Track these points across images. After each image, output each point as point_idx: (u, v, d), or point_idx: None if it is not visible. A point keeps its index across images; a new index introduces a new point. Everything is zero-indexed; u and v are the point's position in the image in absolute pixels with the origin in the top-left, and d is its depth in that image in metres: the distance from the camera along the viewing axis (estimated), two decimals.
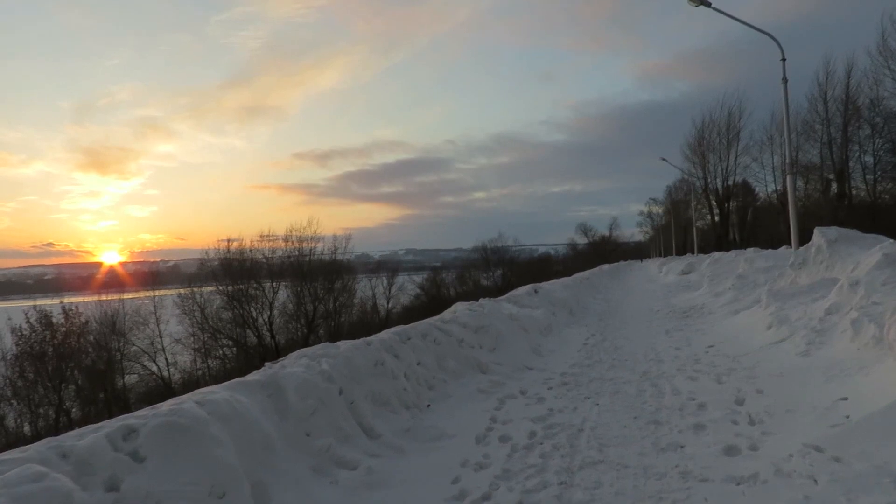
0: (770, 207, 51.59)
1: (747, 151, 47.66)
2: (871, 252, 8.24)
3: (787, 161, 16.11)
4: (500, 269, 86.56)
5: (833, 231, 11.50)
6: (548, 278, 21.77)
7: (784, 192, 46.53)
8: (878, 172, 38.98)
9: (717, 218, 53.08)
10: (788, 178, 16.04)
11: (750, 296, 13.00)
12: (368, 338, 5.31)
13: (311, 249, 52.65)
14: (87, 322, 35.93)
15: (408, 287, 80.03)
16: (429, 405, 5.32)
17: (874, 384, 5.06)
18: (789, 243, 26.77)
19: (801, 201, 46.48)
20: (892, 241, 8.16)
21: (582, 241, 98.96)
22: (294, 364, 4.01)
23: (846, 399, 4.92)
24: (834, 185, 40.16)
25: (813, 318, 7.84)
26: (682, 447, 4.58)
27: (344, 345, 4.74)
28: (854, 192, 39.74)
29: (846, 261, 10.74)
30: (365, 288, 70.89)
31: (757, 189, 52.20)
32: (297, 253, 52.52)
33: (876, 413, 4.15)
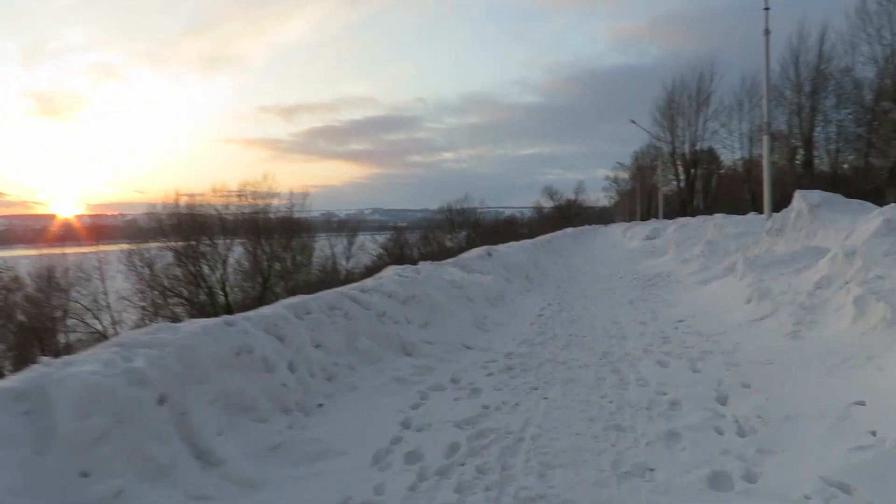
0: (734, 175, 51.38)
1: (716, 117, 47.03)
2: (868, 218, 7.15)
3: (765, 120, 15.03)
4: (465, 231, 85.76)
5: (815, 195, 10.45)
6: (513, 240, 20.61)
7: (750, 160, 46.22)
8: (841, 143, 38.80)
9: (682, 184, 52.61)
10: (765, 138, 14.97)
11: (721, 263, 11.98)
12: (232, 316, 3.94)
13: (266, 206, 50.52)
14: (17, 277, 33.60)
15: (370, 247, 78.55)
16: (320, 405, 4.00)
17: (894, 383, 3.92)
18: (754, 211, 26.14)
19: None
20: (892, 205, 7.06)
21: (548, 204, 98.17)
22: (88, 360, 2.65)
23: (863, 404, 3.77)
24: (801, 154, 39.77)
25: (800, 293, 6.73)
26: (651, 470, 3.37)
27: (186, 327, 3.36)
28: (817, 161, 39.48)
29: (829, 227, 9.71)
30: (324, 247, 69.26)
31: (722, 156, 51.82)
32: (252, 209, 50.40)
33: None
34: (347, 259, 71.00)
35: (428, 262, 8.38)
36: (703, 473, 3.24)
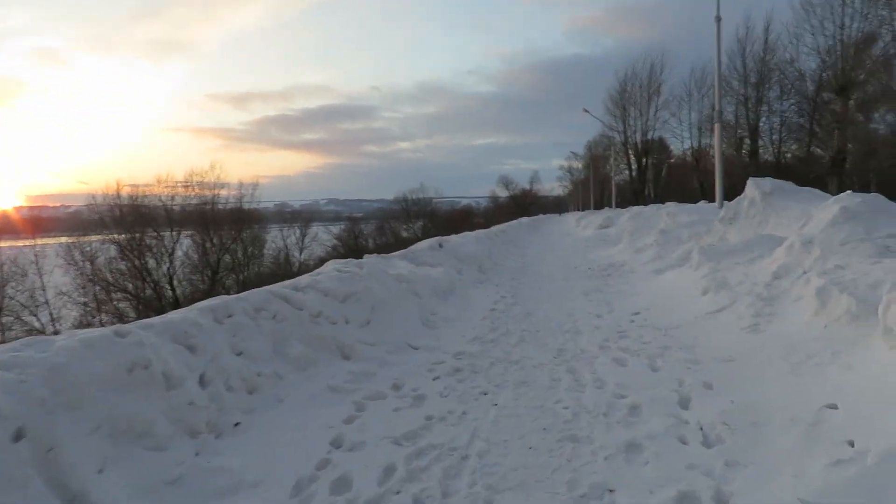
0: (684, 164, 52.36)
1: (666, 106, 47.73)
2: (825, 206, 6.98)
3: (716, 108, 15.00)
4: (421, 221, 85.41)
5: (767, 182, 10.37)
6: (470, 230, 20.25)
7: (699, 150, 47.08)
8: (784, 133, 39.91)
9: (634, 173, 53.29)
10: (716, 126, 14.95)
11: (674, 252, 11.85)
12: (126, 325, 3.35)
13: (214, 196, 48.94)
14: None
15: (324, 238, 77.30)
16: (237, 423, 3.48)
17: (865, 383, 3.65)
18: (704, 199, 26.50)
19: (713, 158, 47.21)
20: (848, 192, 6.91)
21: (504, 194, 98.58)
22: None
23: (835, 408, 3.47)
24: (747, 143, 40.66)
25: (757, 283, 6.51)
26: (610, 492, 2.99)
27: (62, 341, 2.77)
28: (761, 150, 40.50)
29: (782, 215, 9.63)
30: (277, 238, 67.67)
31: (672, 146, 52.69)
32: (199, 200, 48.74)
33: None
34: (301, 251, 69.79)
35: (373, 256, 7.87)
36: (668, 495, 2.87)
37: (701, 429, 3.63)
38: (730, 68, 39.71)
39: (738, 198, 10.77)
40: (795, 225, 9.10)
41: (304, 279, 5.65)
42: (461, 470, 3.24)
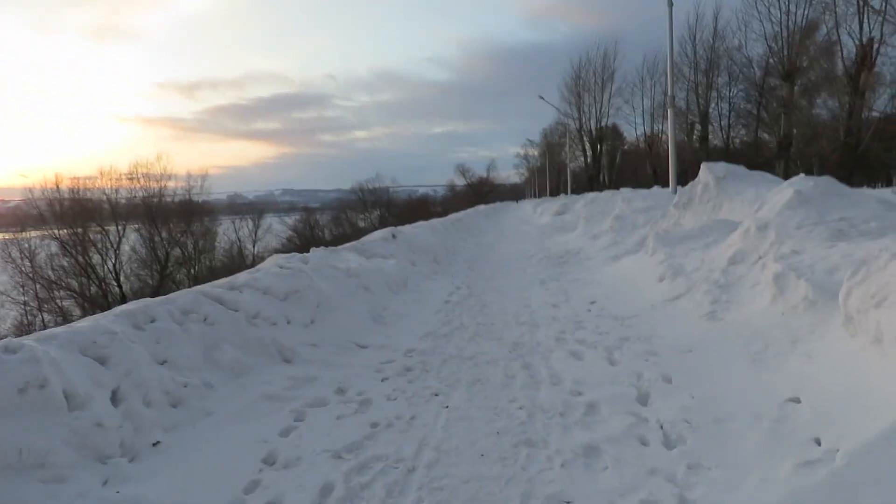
0: (637, 151, 53.18)
1: (620, 93, 48.22)
2: (779, 189, 6.93)
3: (669, 94, 15.03)
4: (378, 211, 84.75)
5: (721, 167, 10.37)
6: (426, 219, 19.95)
7: (652, 136, 47.81)
8: (732, 118, 40.92)
9: (589, 160, 53.81)
10: (669, 112, 14.98)
11: (630, 238, 11.81)
12: (18, 339, 2.93)
13: (161, 188, 47.33)
14: None
15: (279, 229, 75.85)
16: (156, 443, 3.11)
17: (827, 374, 3.51)
18: (657, 185, 26.87)
19: (666, 144, 48.05)
20: (801, 175, 6.87)
21: (461, 182, 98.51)
22: None
23: (798, 401, 3.33)
24: (698, 129, 41.43)
25: (714, 269, 6.42)
26: None
27: None
28: (711, 136, 41.39)
29: (735, 199, 9.63)
30: (229, 231, 66.01)
31: (625, 133, 53.40)
32: (146, 192, 47.06)
33: (873, 444, 2.50)
34: (254, 243, 68.30)
35: (320, 249, 7.48)
36: None
37: (661, 427, 3.44)
38: (681, 55, 40.38)
39: (691, 183, 10.76)
40: (749, 209, 9.11)
41: (241, 277, 5.25)
42: (407, 486, 2.95)
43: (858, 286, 3.60)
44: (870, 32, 23.01)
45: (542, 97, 44.46)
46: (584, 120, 51.42)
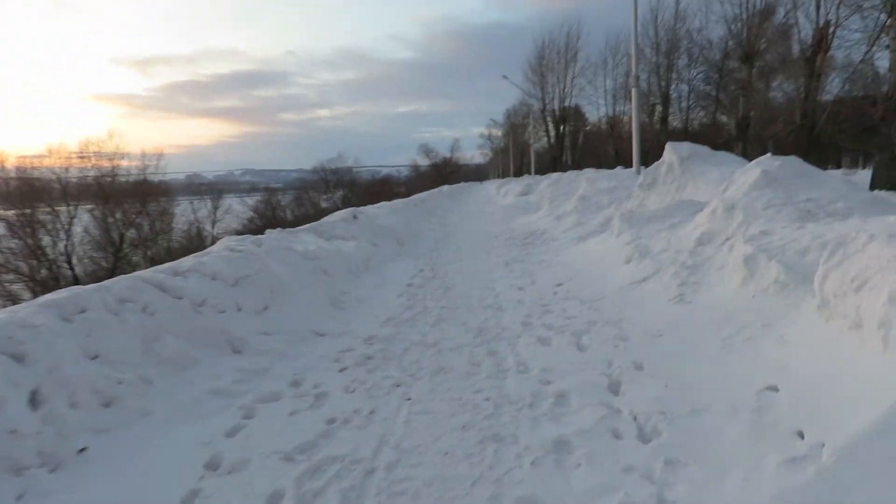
0: (599, 132, 53.51)
1: (583, 73, 48.22)
2: (745, 169, 6.84)
3: (633, 74, 14.93)
4: (341, 191, 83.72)
5: (685, 147, 10.30)
6: (390, 199, 19.61)
7: (614, 117, 48.09)
8: (692, 100, 41.50)
9: (552, 140, 53.87)
10: (633, 91, 14.89)
11: (594, 219, 11.71)
12: None
13: (114, 168, 45.60)
14: None
15: (239, 210, 74.22)
16: (83, 449, 2.78)
17: (803, 360, 3.39)
18: (619, 165, 27.02)
19: (628, 125, 48.45)
20: (768, 155, 6.79)
21: (424, 162, 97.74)
22: None
23: (776, 390, 3.19)
24: (659, 110, 41.81)
25: (681, 251, 6.30)
26: None
27: None
28: (671, 118, 41.92)
29: (699, 179, 9.58)
30: (186, 212, 64.26)
31: (587, 113, 53.64)
32: (98, 171, 45.28)
33: (862, 439, 2.35)
34: (213, 223, 66.69)
35: (276, 231, 7.11)
36: None
37: (635, 419, 3.27)
38: (643, 36, 40.56)
39: (656, 163, 10.67)
40: (714, 189, 9.06)
41: (187, 261, 4.87)
42: (364, 490, 2.70)
43: (835, 269, 3.46)
44: (826, 15, 23.32)
45: (505, 77, 44.24)
46: (547, 100, 51.38)
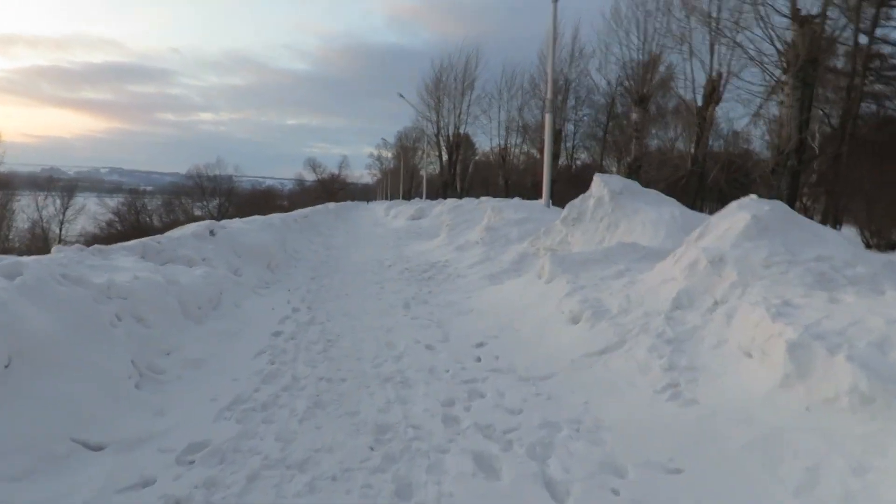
0: (488, 162, 53.60)
1: (478, 102, 47.82)
2: (727, 213, 5.41)
3: (549, 96, 13.74)
4: (218, 199, 78.32)
5: (617, 180, 9.00)
6: (272, 212, 17.11)
7: (505, 148, 48.03)
8: (577, 139, 42.54)
9: (444, 165, 53.07)
10: (547, 117, 13.66)
11: (505, 254, 10.12)
12: None
13: None
14: None
15: (96, 211, 66.79)
16: None
17: None
18: (510, 195, 26.24)
19: (522, 156, 48.70)
20: (752, 197, 5.43)
21: (311, 177, 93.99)
22: None
23: None
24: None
25: (650, 314, 4.70)
26: None
27: None
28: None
29: (634, 218, 8.24)
30: (29, 209, 56.51)
31: (478, 143, 53.67)
32: None
33: None
34: (61, 224, 59.19)
35: (71, 248, 4.68)
36: None
37: None
38: (540, 70, 40.94)
39: (582, 196, 9.28)
40: (654, 232, 7.74)
41: None
42: None
43: None
44: (719, 66, 23.97)
45: (401, 95, 42.95)
46: (442, 124, 50.56)
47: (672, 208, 8.32)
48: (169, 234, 7.39)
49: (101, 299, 3.92)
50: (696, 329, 4.28)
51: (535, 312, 6.00)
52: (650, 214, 8.08)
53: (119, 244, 5.66)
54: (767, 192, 18.87)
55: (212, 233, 7.83)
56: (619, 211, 8.50)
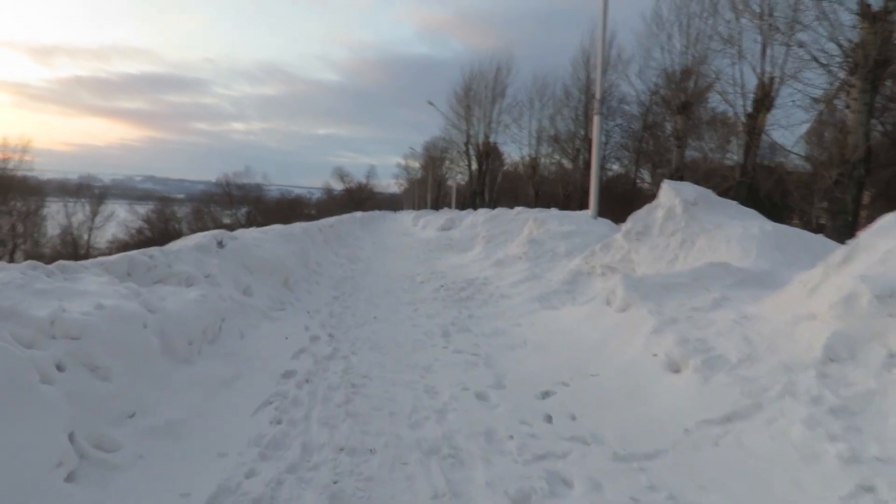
0: (517, 172, 52.23)
1: (509, 111, 46.60)
2: (879, 229, 4.09)
3: (597, 97, 12.48)
4: (246, 207, 78.64)
5: (690, 189, 7.70)
6: (299, 220, 16.22)
7: (536, 158, 46.64)
8: (608, 149, 40.92)
9: (473, 175, 51.95)
10: (596, 119, 12.40)
11: (554, 273, 8.87)
12: None
13: None
14: None
15: (126, 218, 67.31)
16: None
17: None
18: (540, 206, 24.91)
19: (552, 166, 47.26)
20: None
21: (338, 186, 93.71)
22: None
23: None
24: (583, 155, 40.75)
25: (792, 366, 3.42)
26: None
27: None
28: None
29: (715, 234, 6.92)
30: (60, 215, 56.93)
31: (507, 153, 52.41)
32: None
33: None
34: (90, 231, 59.59)
35: (23, 264, 3.60)
36: None
37: None
38: (573, 77, 39.70)
39: (647, 206, 7.98)
40: (743, 250, 6.42)
41: None
42: None
43: None
44: (771, 70, 22.40)
45: (431, 103, 42.08)
46: (472, 133, 49.49)
47: (761, 222, 7.00)
48: (168, 245, 6.31)
49: (39, 341, 2.80)
50: (872, 395, 3.00)
51: (614, 352, 4.74)
52: (735, 229, 6.76)
53: (99, 258, 4.57)
54: (830, 206, 17.35)
55: (220, 244, 6.74)
56: (695, 224, 7.20)
